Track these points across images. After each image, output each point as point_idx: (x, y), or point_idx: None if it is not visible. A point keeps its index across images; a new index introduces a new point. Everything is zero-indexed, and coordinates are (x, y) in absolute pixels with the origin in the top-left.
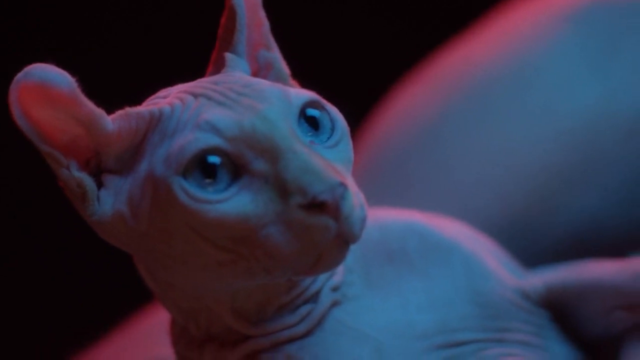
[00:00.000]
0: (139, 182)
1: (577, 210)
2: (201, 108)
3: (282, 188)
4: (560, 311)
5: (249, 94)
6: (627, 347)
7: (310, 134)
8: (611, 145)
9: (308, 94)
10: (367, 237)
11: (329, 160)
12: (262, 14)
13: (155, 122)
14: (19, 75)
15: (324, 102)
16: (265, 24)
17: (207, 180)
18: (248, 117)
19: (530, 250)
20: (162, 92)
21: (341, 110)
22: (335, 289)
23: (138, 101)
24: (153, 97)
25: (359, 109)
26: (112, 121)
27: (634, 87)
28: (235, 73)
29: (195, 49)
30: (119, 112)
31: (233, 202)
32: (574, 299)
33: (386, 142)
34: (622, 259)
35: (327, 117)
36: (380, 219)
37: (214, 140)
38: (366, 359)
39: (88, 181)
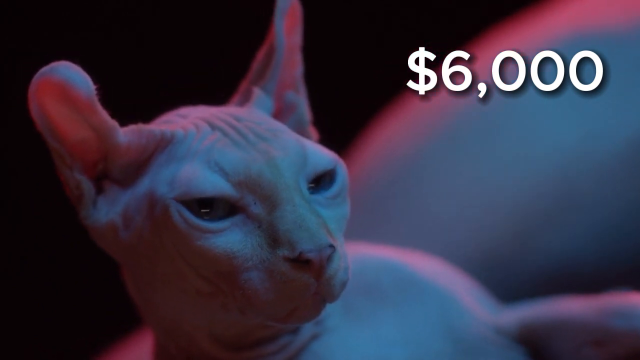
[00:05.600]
0: (138, 197)
1: (552, 248)
2: (215, 143)
3: (273, 237)
4: (534, 347)
5: (268, 139)
6: None
7: (311, 184)
8: (586, 186)
9: (329, 162)
10: None
11: (324, 217)
12: (299, 56)
13: (165, 143)
14: (45, 68)
15: (339, 163)
16: (300, 67)
17: (204, 210)
18: (258, 161)
19: (507, 286)
20: (183, 111)
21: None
22: (317, 323)
23: (153, 113)
24: (173, 113)
25: (338, 143)
26: (123, 134)
27: (610, 128)
28: (261, 113)
29: (219, 67)
30: (132, 127)
31: (223, 237)
32: (546, 335)
33: (365, 179)
34: (592, 296)
35: (331, 173)
36: (358, 253)
37: (220, 187)
38: None
39: (87, 185)
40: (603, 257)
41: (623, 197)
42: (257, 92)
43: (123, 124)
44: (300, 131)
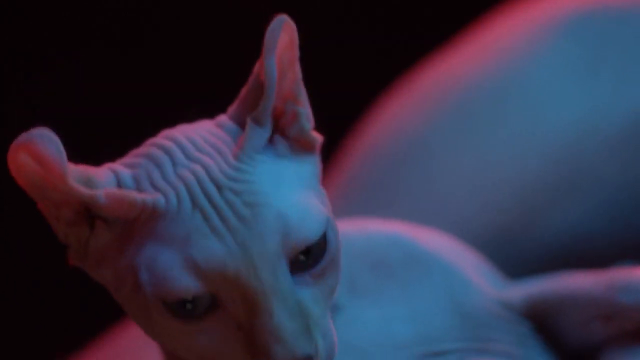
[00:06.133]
0: (125, 266)
1: (561, 224)
2: (193, 232)
3: (251, 342)
4: (541, 322)
5: (248, 220)
6: (604, 358)
7: (301, 256)
8: (596, 160)
9: (316, 232)
10: (352, 247)
11: (309, 300)
12: (297, 67)
13: (147, 213)
14: (21, 137)
15: (330, 227)
16: (299, 78)
17: (187, 305)
18: (235, 259)
19: (516, 261)
20: (163, 138)
21: (326, 121)
22: None
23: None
24: (155, 142)
25: (345, 118)
26: (105, 197)
27: (619, 101)
28: (247, 165)
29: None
30: (113, 192)
31: (203, 335)
32: (553, 310)
33: (372, 153)
34: (599, 271)
35: (322, 238)
36: (365, 229)
37: (195, 289)
38: None
39: (75, 237)
40: (611, 232)
41: (630, 172)
42: (250, 126)
43: (124, 128)
44: (303, 138)
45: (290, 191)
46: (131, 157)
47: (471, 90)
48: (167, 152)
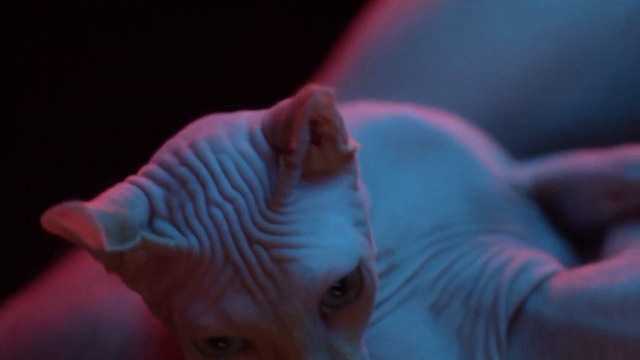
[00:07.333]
0: (159, 294)
1: (565, 107)
2: (226, 288)
3: None
4: (549, 202)
5: (277, 278)
6: (611, 235)
7: (337, 292)
8: (599, 43)
9: (345, 269)
10: (366, 143)
11: (343, 345)
12: (335, 113)
13: (181, 255)
14: (56, 211)
15: (364, 267)
16: (336, 116)
17: (220, 343)
18: (267, 318)
19: (521, 145)
20: (195, 155)
21: (330, 8)
22: None
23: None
24: (185, 155)
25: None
26: (142, 245)
27: None
28: (279, 221)
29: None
30: (148, 240)
31: None
32: (561, 189)
33: (377, 41)
34: (607, 150)
35: (357, 276)
36: (374, 117)
37: (226, 334)
38: (380, 267)
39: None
40: (618, 114)
41: (633, 54)
42: (283, 170)
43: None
44: (338, 154)
45: (322, 229)
46: (160, 167)
47: None
48: (201, 182)
